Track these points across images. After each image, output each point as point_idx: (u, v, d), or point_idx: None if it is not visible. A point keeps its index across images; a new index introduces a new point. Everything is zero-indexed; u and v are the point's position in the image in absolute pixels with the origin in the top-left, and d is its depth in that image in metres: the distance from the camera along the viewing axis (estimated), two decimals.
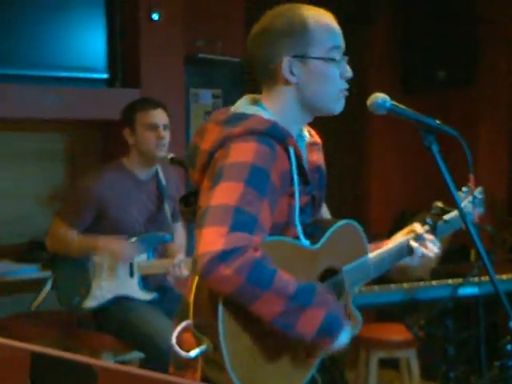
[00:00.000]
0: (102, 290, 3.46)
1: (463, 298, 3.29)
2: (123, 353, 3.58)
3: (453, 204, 1.97)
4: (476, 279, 3.08)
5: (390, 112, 1.91)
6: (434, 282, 3.51)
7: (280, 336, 1.71)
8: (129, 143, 3.53)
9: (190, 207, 1.89)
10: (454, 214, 2.21)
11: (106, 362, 3.33)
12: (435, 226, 2.15)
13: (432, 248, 2.13)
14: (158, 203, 3.58)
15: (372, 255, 2.02)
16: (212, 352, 1.67)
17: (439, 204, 2.23)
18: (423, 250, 2.11)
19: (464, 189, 2.34)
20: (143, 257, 3.50)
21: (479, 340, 2.87)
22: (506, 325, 1.89)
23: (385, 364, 4.33)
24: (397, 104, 1.92)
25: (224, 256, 1.59)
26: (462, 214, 1.93)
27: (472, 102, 5.81)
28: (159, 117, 3.51)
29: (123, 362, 3.68)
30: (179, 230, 3.75)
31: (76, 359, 1.13)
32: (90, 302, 3.46)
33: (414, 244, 2.11)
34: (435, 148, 1.90)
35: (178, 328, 1.75)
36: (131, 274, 3.48)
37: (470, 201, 2.34)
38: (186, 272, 3.42)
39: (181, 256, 3.49)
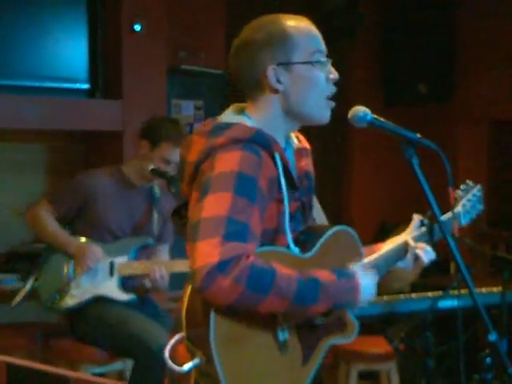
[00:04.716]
0: (81, 289, 3.46)
1: (443, 311, 3.29)
2: (102, 364, 3.56)
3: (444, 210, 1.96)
4: (455, 292, 3.08)
5: (370, 125, 1.91)
6: (413, 295, 3.52)
7: (273, 347, 1.72)
8: (139, 152, 3.53)
9: (183, 220, 1.87)
10: (449, 215, 2.18)
11: (82, 373, 3.30)
12: (432, 228, 2.13)
13: (428, 252, 2.10)
14: (147, 213, 3.59)
15: (367, 260, 1.99)
16: (205, 365, 1.67)
17: (419, 217, 2.22)
18: (419, 251, 2.07)
19: (462, 187, 2.32)
20: (124, 258, 3.51)
21: (458, 353, 2.87)
22: (486, 338, 1.89)
23: (365, 376, 4.33)
24: (377, 117, 1.92)
25: (221, 266, 1.58)
26: (441, 227, 1.93)
27: (452, 115, 5.86)
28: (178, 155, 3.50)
29: (102, 375, 3.66)
30: (164, 252, 3.71)
31: (52, 371, 1.12)
32: (68, 301, 3.46)
33: (411, 243, 2.08)
34: (415, 161, 1.91)
35: (172, 341, 1.75)
36: (111, 274, 3.48)
37: (468, 199, 2.30)
38: (166, 275, 3.42)
39: (165, 257, 3.52)
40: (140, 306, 3.57)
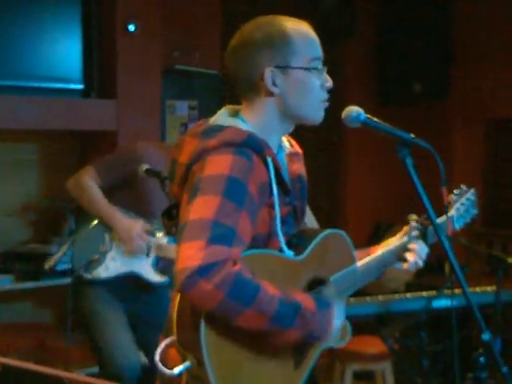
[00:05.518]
0: (116, 263, 3.43)
1: (437, 311, 3.30)
2: (95, 366, 3.56)
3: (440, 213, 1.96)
4: (450, 292, 3.09)
5: (364, 125, 1.91)
6: (408, 295, 3.52)
7: (265, 350, 1.71)
8: None
9: (173, 220, 1.87)
10: (443, 218, 2.19)
11: (77, 374, 3.30)
12: (425, 231, 2.13)
13: (422, 255, 2.10)
14: None
15: (360, 263, 2.00)
16: (196, 368, 1.66)
17: (414, 217, 2.23)
18: (414, 258, 2.07)
19: (456, 191, 2.33)
20: (163, 239, 3.50)
21: (453, 352, 2.88)
22: (480, 337, 1.89)
23: (360, 376, 4.34)
24: (371, 117, 1.92)
25: (203, 270, 1.57)
26: (435, 227, 1.93)
27: (447, 114, 5.87)
28: None
29: (94, 375, 3.66)
30: None
31: (46, 371, 1.12)
32: (101, 272, 3.42)
33: (409, 253, 2.08)
34: (409, 161, 1.91)
35: (162, 345, 1.74)
36: (147, 254, 3.48)
37: (462, 203, 2.32)
38: None
39: None
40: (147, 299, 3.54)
